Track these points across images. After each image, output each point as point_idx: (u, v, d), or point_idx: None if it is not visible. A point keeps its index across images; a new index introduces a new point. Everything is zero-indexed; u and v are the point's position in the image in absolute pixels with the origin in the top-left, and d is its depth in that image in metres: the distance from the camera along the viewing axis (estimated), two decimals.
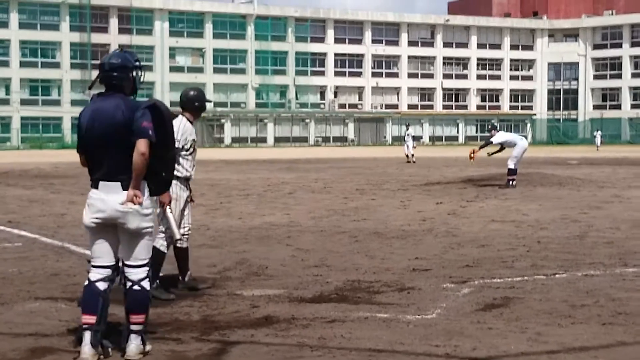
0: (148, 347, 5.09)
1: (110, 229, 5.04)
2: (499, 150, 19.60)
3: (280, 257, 8.96)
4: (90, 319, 4.95)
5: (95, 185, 5.03)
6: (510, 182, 18.82)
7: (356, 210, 14.17)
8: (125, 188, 4.95)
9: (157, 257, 6.37)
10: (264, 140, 73.28)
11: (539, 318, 6.00)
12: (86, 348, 4.91)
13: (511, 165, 18.98)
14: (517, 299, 6.64)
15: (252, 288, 7.20)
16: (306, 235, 10.86)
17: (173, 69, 71.12)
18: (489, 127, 21.22)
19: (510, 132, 20.94)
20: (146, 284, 5.08)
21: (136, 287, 5.05)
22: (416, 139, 38.28)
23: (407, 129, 39.55)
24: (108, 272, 5.07)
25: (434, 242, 10.06)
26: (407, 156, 36.23)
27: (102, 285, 5.03)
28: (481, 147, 19.54)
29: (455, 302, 6.56)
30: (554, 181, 19.93)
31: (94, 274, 5.06)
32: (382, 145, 72.30)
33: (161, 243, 6.95)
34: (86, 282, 5.08)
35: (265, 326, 5.78)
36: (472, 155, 19.37)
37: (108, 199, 4.96)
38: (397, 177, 23.60)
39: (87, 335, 4.94)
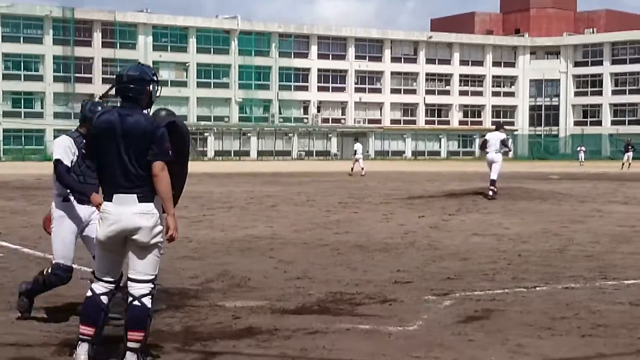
0: None
1: (121, 244, 4.95)
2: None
3: (262, 269, 8.96)
4: (90, 331, 4.93)
5: (109, 199, 4.92)
6: (491, 193, 19.08)
7: (338, 223, 14.19)
8: (141, 200, 4.86)
9: None
10: (247, 153, 73.22)
11: (519, 330, 6.04)
12: (82, 357, 4.90)
13: (492, 176, 19.33)
14: (498, 311, 6.68)
15: (234, 299, 7.20)
16: (289, 247, 10.86)
17: None
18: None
19: (503, 133, 20.61)
20: (147, 301, 4.92)
21: (136, 302, 4.90)
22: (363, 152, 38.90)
23: (356, 143, 39.62)
24: (112, 287, 5.04)
25: (415, 255, 10.09)
26: (352, 169, 36.44)
27: (105, 299, 5.00)
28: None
29: (436, 314, 6.59)
30: (536, 195, 20.03)
31: (99, 287, 5.01)
32: (365, 160, 72.29)
33: None
34: (89, 294, 5.02)
35: (247, 337, 5.79)
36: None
37: (123, 211, 4.86)
38: (380, 191, 23.64)
39: (84, 346, 4.92)
